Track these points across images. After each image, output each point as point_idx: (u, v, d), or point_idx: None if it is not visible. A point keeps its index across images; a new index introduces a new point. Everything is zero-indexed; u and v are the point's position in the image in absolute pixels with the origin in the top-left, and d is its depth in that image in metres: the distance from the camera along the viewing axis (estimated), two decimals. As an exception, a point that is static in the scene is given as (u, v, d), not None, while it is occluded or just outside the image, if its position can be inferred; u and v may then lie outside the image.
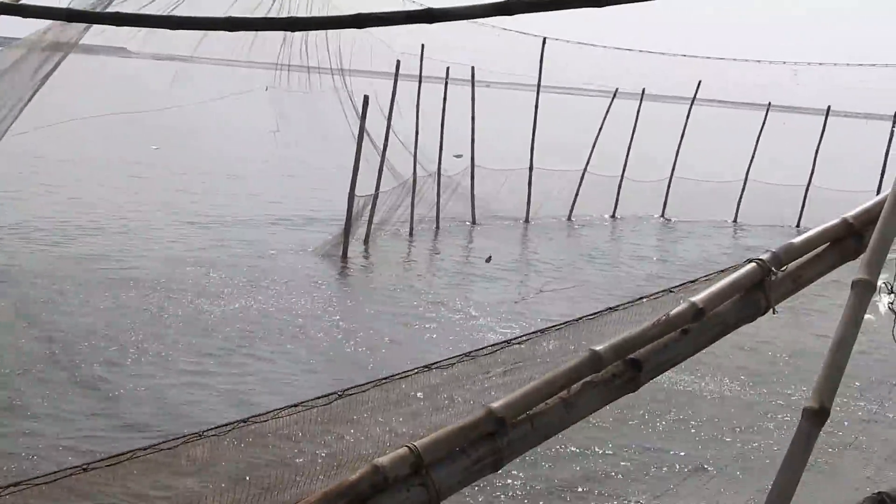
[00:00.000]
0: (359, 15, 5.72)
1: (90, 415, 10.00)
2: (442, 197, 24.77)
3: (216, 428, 3.18)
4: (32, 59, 11.91)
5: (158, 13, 9.94)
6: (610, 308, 3.89)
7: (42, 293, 14.48)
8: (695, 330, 3.40)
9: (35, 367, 11.15)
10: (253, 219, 23.30)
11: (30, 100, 12.46)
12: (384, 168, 21.17)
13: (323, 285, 17.25)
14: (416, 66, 23.32)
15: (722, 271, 3.57)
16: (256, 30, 7.95)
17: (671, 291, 3.88)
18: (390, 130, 21.24)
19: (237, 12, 10.78)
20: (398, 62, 21.75)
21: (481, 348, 3.63)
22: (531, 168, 27.52)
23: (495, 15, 5.39)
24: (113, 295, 14.67)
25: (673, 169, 30.93)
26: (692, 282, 3.84)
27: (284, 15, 11.67)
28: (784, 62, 32.32)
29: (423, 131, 23.33)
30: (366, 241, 21.31)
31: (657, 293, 3.72)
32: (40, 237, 18.76)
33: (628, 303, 3.76)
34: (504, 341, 3.70)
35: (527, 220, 27.46)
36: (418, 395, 3.60)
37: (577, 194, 29.06)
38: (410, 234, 23.21)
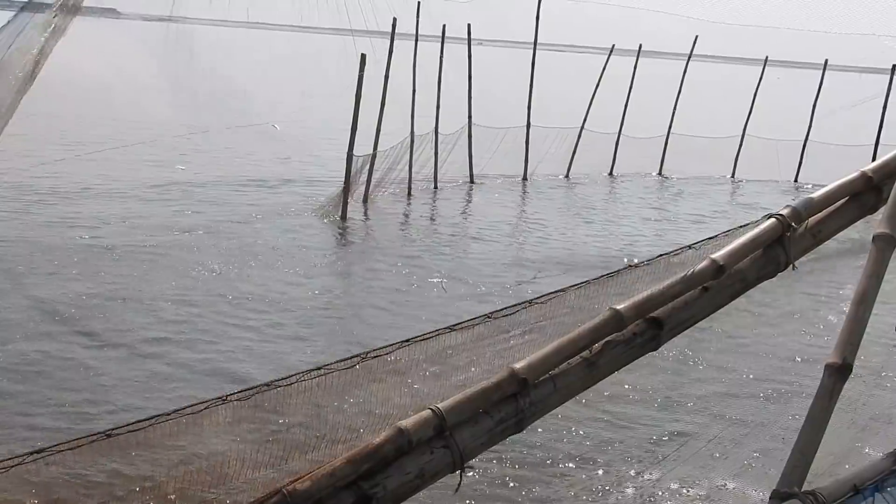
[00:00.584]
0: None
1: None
2: (440, 156, 24.68)
3: (239, 392, 3.17)
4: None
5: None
6: (630, 265, 3.86)
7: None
8: (715, 287, 3.38)
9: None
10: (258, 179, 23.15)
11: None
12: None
13: (322, 248, 17.21)
14: (412, 25, 23.10)
15: (742, 227, 3.55)
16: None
17: (691, 248, 3.85)
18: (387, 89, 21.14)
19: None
20: (394, 20, 21.53)
21: (502, 309, 3.60)
22: (528, 126, 27.39)
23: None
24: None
25: (670, 126, 30.82)
26: (712, 238, 3.81)
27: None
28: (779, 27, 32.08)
29: (419, 90, 23.19)
30: (364, 201, 21.24)
31: (677, 250, 3.69)
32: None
33: (648, 260, 3.73)
34: (525, 301, 3.68)
35: (524, 179, 27.37)
36: (447, 352, 3.58)
37: (574, 152, 28.97)
38: (409, 193, 23.12)
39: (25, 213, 17.49)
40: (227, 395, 3.12)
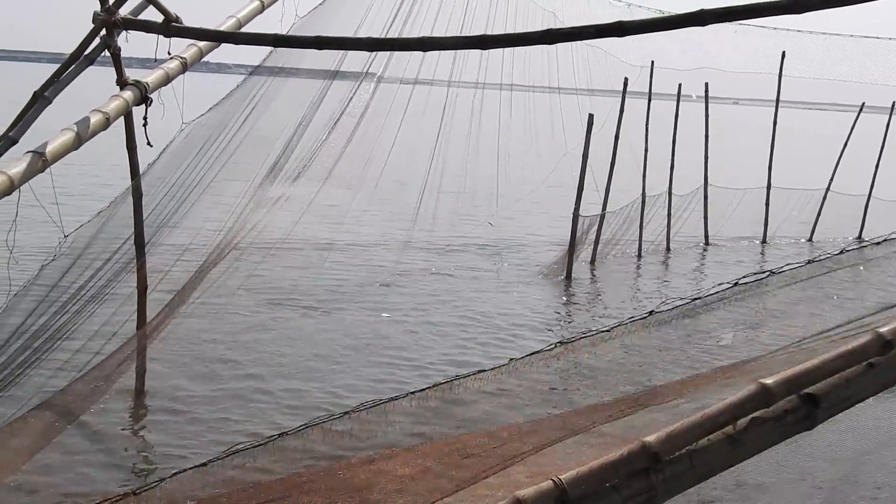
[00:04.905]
0: (549, 31, 5.66)
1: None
2: (672, 217, 24.20)
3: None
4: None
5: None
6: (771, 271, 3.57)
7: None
8: (881, 364, 3.08)
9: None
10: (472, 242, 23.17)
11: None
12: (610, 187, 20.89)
13: (545, 304, 17.18)
14: (641, 84, 22.84)
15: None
16: (446, 49, 7.95)
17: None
18: (617, 148, 20.99)
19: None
20: (626, 79, 21.41)
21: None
22: (769, 187, 26.43)
23: (687, 26, 5.18)
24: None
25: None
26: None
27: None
28: None
29: (651, 149, 22.88)
30: (592, 262, 21.06)
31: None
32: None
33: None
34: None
35: (763, 241, 26.36)
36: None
37: (818, 214, 27.68)
38: (639, 255, 22.74)
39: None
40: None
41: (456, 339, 14.20)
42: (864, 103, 28.80)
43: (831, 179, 27.73)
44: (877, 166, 28.13)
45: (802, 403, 3.05)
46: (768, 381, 3.02)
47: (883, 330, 3.08)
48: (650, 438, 2.94)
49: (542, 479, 2.87)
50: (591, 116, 18.72)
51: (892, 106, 28.87)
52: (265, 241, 18.51)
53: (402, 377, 12.15)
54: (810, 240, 27.59)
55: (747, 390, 3.00)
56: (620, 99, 21.18)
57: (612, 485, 2.92)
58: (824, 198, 27.75)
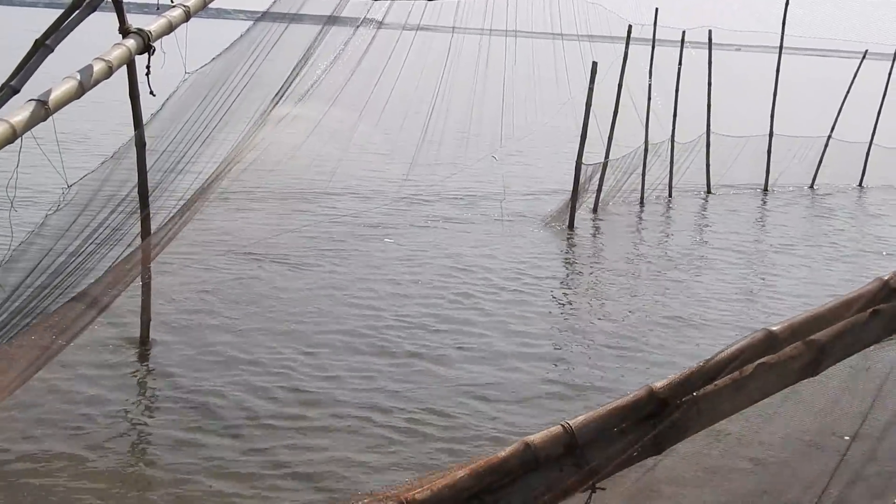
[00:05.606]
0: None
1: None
2: (675, 165, 24.15)
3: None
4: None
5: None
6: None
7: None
8: (886, 311, 3.10)
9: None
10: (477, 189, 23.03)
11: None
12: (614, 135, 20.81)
13: (547, 255, 17.18)
14: (644, 31, 22.68)
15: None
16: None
17: None
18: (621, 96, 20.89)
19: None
20: (630, 26, 21.26)
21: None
22: (770, 134, 26.33)
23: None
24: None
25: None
26: None
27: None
28: None
29: (655, 97, 22.77)
30: (594, 210, 21.04)
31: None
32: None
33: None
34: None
35: (765, 190, 26.34)
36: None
37: (820, 162, 27.68)
38: (641, 203, 22.70)
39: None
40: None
41: (451, 292, 14.06)
42: (867, 50, 28.66)
43: (833, 127, 27.63)
44: (878, 114, 28.03)
45: (807, 349, 3.08)
46: (774, 327, 3.05)
47: (887, 277, 3.11)
48: (658, 385, 2.98)
49: None
50: (594, 64, 18.59)
51: (895, 54, 28.69)
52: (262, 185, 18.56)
53: (384, 331, 12.18)
54: (812, 187, 27.61)
55: (753, 336, 3.04)
56: (624, 46, 21.01)
57: (620, 429, 2.96)
58: (826, 145, 27.70)
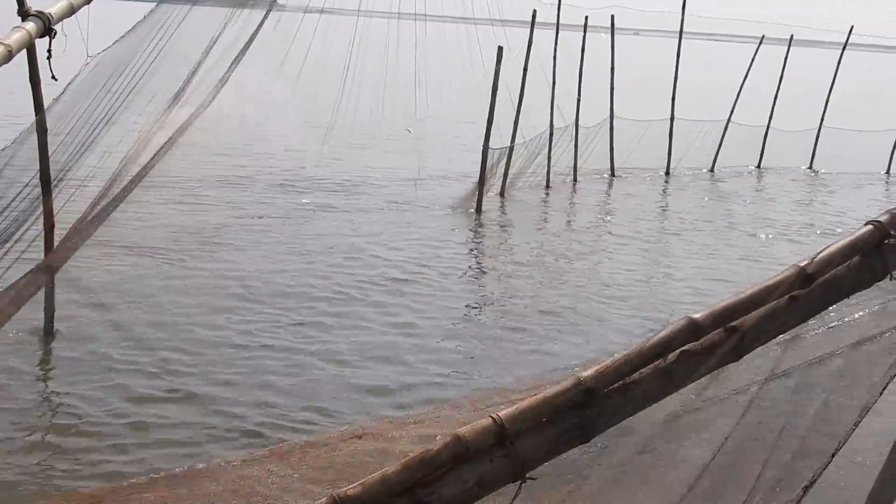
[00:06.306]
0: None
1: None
2: (579, 149, 24.43)
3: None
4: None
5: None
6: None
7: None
8: (804, 297, 3.18)
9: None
10: (387, 176, 22.84)
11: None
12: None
13: (455, 238, 17.23)
14: (550, 16, 22.86)
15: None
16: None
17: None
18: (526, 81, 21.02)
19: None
20: (534, 11, 21.41)
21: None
22: (672, 119, 26.82)
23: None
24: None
25: (822, 118, 29.74)
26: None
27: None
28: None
29: (559, 82, 22.97)
30: (501, 194, 21.17)
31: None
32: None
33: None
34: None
35: (667, 173, 26.85)
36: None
37: (720, 145, 28.30)
38: (547, 186, 22.94)
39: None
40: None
41: (354, 279, 13.94)
42: (763, 36, 29.37)
43: (732, 111, 28.29)
44: (775, 98, 28.77)
45: (729, 336, 3.14)
46: (696, 315, 3.10)
47: (804, 263, 3.18)
48: (585, 374, 3.01)
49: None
50: (500, 49, 18.67)
51: (790, 39, 29.48)
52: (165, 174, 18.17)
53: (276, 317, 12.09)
54: (712, 170, 28.22)
55: (677, 324, 3.09)
56: (529, 31, 21.16)
57: (549, 419, 2.98)
58: (725, 129, 28.33)
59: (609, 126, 25.67)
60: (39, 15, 7.36)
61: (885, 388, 3.91)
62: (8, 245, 7.42)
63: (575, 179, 24.29)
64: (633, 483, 4.73)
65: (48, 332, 10.43)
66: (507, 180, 21.39)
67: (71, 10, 7.65)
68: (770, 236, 19.43)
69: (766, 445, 4.20)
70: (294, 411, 9.18)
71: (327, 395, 9.64)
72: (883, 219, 3.24)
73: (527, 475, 2.94)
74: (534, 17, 21.37)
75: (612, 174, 25.75)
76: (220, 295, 12.66)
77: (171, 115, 9.74)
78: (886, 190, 27.90)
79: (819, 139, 30.04)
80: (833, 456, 3.92)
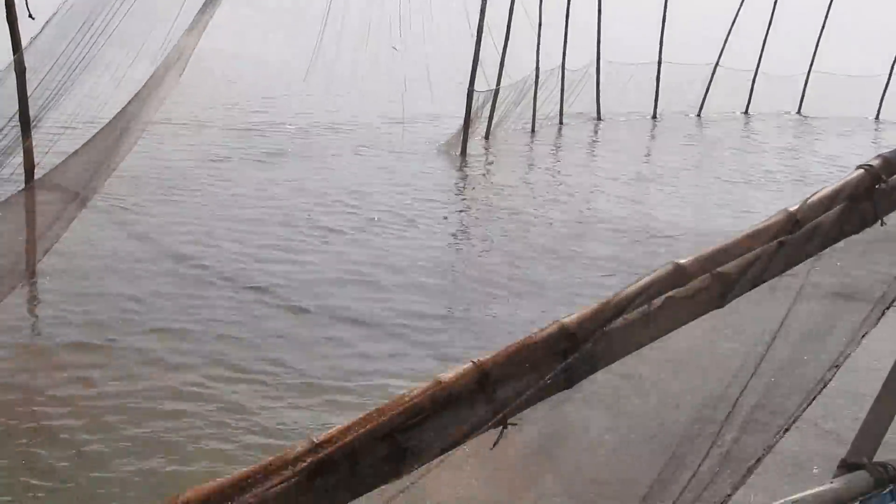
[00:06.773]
0: None
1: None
2: (566, 92, 24.24)
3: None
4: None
5: None
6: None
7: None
8: (791, 242, 3.13)
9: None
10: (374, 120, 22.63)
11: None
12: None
13: (440, 182, 17.12)
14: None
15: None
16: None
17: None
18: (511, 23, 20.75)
19: None
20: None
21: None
22: (659, 62, 26.63)
23: None
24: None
25: (811, 63, 29.56)
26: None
27: None
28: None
29: (546, 25, 22.66)
30: (486, 137, 21.00)
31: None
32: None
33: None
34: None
35: (654, 117, 26.73)
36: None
37: (707, 89, 28.13)
38: (532, 130, 22.79)
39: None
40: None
41: (346, 218, 13.95)
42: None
43: (720, 55, 28.07)
44: (764, 41, 28.57)
45: (715, 282, 3.09)
46: (682, 260, 3.05)
47: (793, 209, 3.13)
48: (567, 320, 2.96)
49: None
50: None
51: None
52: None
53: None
54: (699, 115, 28.10)
55: (663, 269, 3.02)
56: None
57: (531, 365, 2.94)
58: (713, 73, 28.13)
59: (596, 69, 25.44)
60: (14, -50, 7.19)
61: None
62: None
63: (561, 123, 24.13)
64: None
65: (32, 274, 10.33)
66: (493, 123, 21.21)
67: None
68: (753, 182, 19.39)
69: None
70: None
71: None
72: (875, 163, 3.17)
73: (508, 421, 2.91)
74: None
75: (599, 118, 25.60)
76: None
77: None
78: (875, 136, 27.85)
79: (808, 84, 29.89)
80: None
